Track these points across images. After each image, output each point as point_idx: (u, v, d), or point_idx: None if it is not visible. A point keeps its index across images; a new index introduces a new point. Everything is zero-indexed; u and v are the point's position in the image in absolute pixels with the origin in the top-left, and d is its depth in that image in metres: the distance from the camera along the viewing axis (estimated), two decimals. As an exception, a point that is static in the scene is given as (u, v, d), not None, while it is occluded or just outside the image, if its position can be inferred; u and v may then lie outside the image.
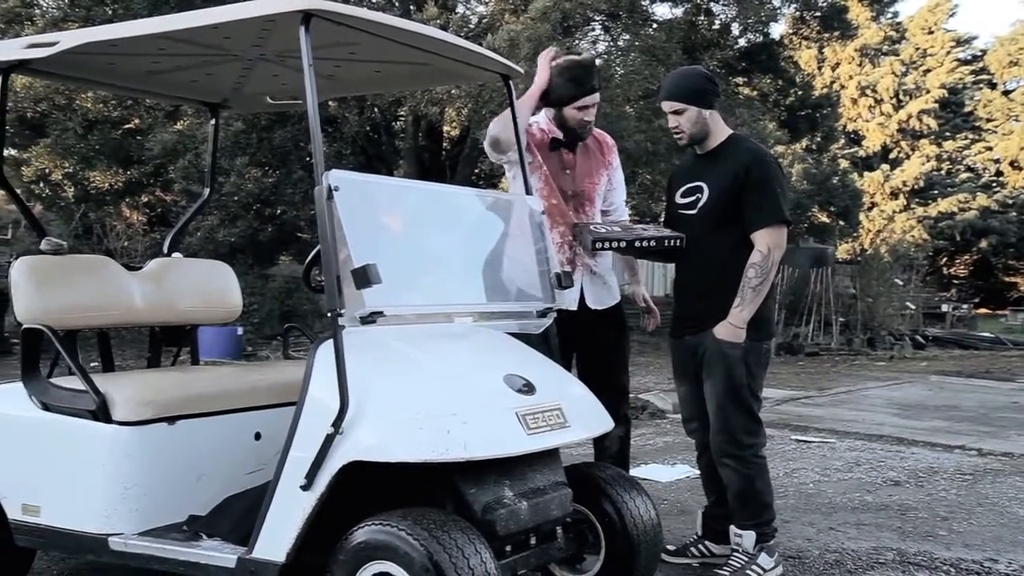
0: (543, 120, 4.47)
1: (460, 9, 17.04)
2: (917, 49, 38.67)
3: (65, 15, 16.11)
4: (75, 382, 3.52)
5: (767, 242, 3.96)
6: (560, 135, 4.41)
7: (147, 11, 13.82)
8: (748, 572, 4.02)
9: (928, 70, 38.24)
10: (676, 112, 4.13)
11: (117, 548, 3.32)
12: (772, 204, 3.99)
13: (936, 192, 36.96)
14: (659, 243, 4.19)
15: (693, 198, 4.16)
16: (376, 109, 16.79)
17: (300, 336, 4.19)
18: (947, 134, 38.13)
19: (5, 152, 4.05)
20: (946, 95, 37.62)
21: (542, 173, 4.34)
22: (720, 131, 4.20)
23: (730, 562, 4.08)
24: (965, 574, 4.35)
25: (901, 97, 37.39)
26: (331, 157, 15.54)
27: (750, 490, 4.08)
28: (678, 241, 4.15)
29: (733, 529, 4.13)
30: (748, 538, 4.07)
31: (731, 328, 3.99)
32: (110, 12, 15.35)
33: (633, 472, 5.93)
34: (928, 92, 37.32)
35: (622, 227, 4.38)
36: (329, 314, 2.93)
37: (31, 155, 19.07)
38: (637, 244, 4.17)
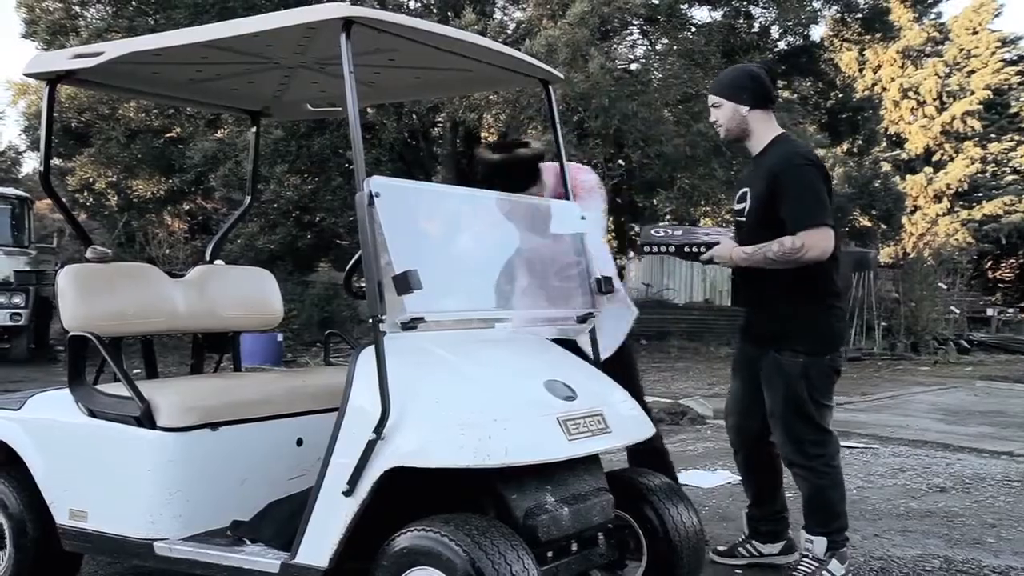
0: None
1: (498, 15, 17.09)
2: (961, 50, 38.09)
3: (109, 26, 16.37)
4: (120, 389, 3.55)
5: (803, 239, 3.83)
6: None
7: (188, 20, 14.00)
8: None
9: (972, 71, 37.64)
10: (714, 106, 4.14)
11: (162, 553, 3.35)
12: (804, 209, 3.87)
13: (981, 195, 36.40)
14: (709, 248, 4.19)
15: (743, 205, 4.13)
16: (414, 115, 16.88)
17: (340, 342, 4.21)
18: (992, 136, 37.52)
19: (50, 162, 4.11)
20: (991, 96, 37.00)
21: None
22: (766, 133, 4.10)
23: (800, 567, 4.05)
24: (1015, 583, 4.28)
25: (944, 99, 36.85)
26: (369, 164, 15.65)
27: (821, 498, 4.04)
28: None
29: (804, 534, 4.10)
30: (819, 544, 4.03)
31: (727, 254, 4.04)
32: (152, 22, 15.58)
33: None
34: (972, 93, 36.74)
35: (683, 230, 4.39)
36: (370, 320, 2.94)
37: (75, 164, 19.40)
38: (686, 249, 4.20)
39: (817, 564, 4.01)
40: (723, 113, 4.10)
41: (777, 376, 3.99)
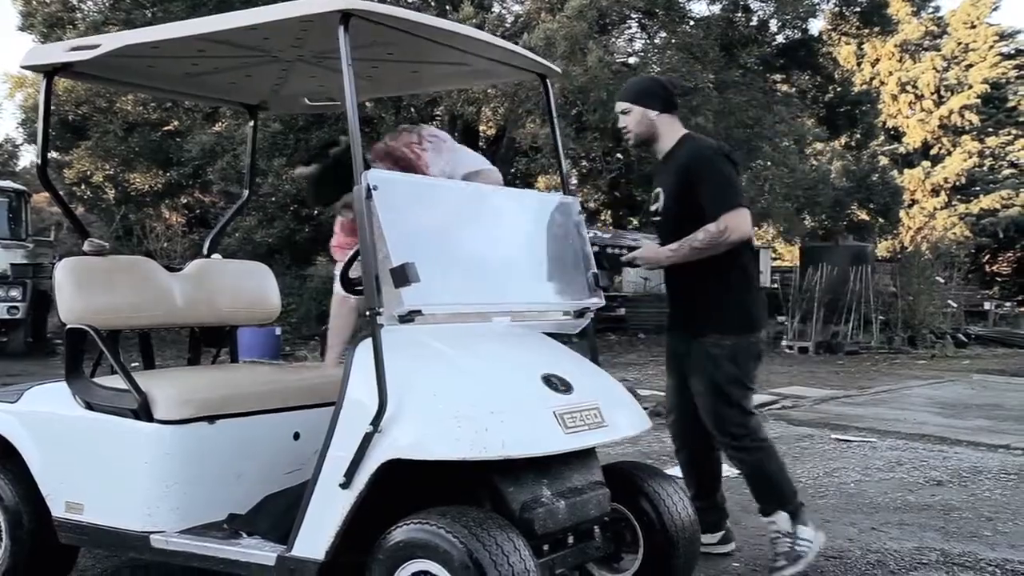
0: None
1: (496, 8, 17.06)
2: (959, 44, 38.10)
3: (106, 19, 16.34)
4: (117, 381, 3.55)
5: (725, 221, 4.00)
6: None
7: (185, 14, 13.97)
8: (798, 549, 4.08)
9: (970, 65, 37.66)
10: (623, 112, 4.29)
11: (159, 546, 3.35)
12: (722, 195, 4.05)
13: (978, 189, 36.43)
14: (631, 251, 4.41)
15: (656, 204, 4.31)
16: (412, 109, 16.86)
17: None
18: (990, 130, 37.53)
19: (48, 155, 4.10)
20: (989, 90, 37.03)
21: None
22: (672, 135, 4.28)
23: (777, 548, 4.13)
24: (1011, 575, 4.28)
25: (942, 93, 36.87)
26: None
27: (761, 474, 4.19)
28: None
29: (765, 520, 4.22)
30: (781, 519, 4.14)
31: (653, 255, 4.24)
32: (149, 15, 15.55)
33: (670, 471, 5.90)
34: (970, 87, 36.77)
35: (612, 233, 4.53)
36: (368, 313, 2.94)
37: (73, 157, 19.37)
38: (608, 250, 4.44)
39: (790, 538, 4.10)
40: (633, 118, 4.26)
41: (706, 361, 4.12)
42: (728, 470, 6.27)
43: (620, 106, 4.29)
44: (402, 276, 2.91)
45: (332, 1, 2.98)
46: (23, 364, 12.32)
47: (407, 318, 2.96)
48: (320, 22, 3.11)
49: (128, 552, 3.60)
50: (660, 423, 7.91)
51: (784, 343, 18.08)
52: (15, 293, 13.42)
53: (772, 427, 8.28)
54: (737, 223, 4.00)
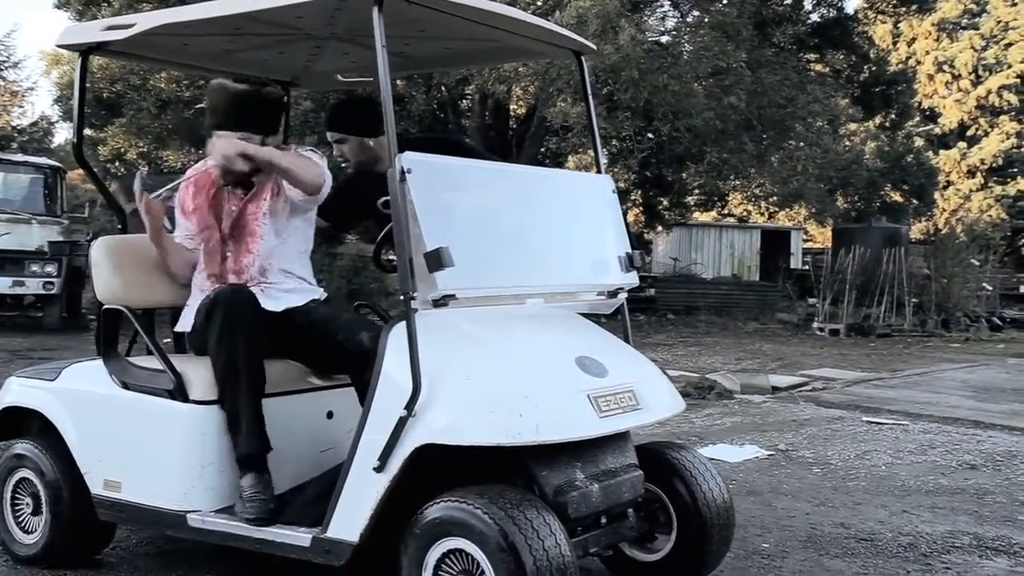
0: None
1: (528, -14, 16.94)
2: (999, 22, 37.40)
3: (141, -4, 16.34)
4: (152, 361, 3.58)
5: None
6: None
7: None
8: None
9: (1010, 44, 36.95)
10: (337, 142, 4.22)
11: (195, 525, 3.39)
12: None
13: (1016, 170, 35.87)
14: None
15: None
16: (443, 87, 16.81)
17: (370, 314, 4.22)
18: (1028, 110, 36.93)
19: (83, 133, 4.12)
20: (1028, 70, 36.41)
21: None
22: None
23: None
24: (1046, 563, 4.24)
25: (980, 72, 36.28)
26: (398, 135, 15.58)
27: None
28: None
29: None
30: None
31: None
32: (183, -7, 15.55)
33: (702, 452, 5.89)
34: (1009, 67, 36.11)
35: None
36: (401, 297, 2.94)
37: (107, 134, 19.47)
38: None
39: None
40: (350, 149, 4.20)
41: None
42: (758, 451, 6.28)
43: (334, 136, 4.22)
44: (436, 260, 2.90)
45: (366, -18, 2.96)
46: (59, 339, 12.49)
47: (441, 302, 2.96)
48: (353, 1, 3.10)
49: (165, 530, 3.64)
50: (692, 403, 7.91)
51: (815, 325, 17.97)
52: (51, 269, 13.56)
53: (802, 408, 8.24)
54: None
